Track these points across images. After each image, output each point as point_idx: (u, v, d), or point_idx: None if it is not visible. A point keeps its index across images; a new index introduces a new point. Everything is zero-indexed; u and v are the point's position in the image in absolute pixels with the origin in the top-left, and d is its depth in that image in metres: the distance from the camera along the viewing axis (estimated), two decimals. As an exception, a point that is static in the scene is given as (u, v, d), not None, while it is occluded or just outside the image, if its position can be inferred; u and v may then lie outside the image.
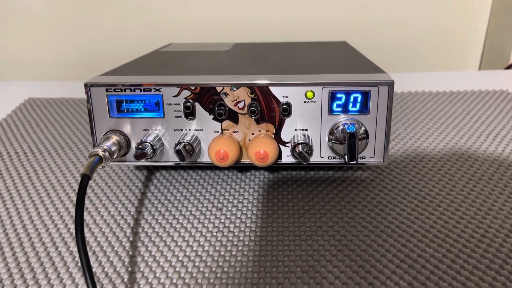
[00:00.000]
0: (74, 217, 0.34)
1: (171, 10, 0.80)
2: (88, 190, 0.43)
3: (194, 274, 0.32)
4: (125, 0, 0.80)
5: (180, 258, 0.34)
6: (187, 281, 0.32)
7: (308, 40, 0.82)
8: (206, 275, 0.32)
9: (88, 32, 0.83)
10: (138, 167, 0.46)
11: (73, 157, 0.49)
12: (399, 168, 0.45)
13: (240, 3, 0.79)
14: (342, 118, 0.35)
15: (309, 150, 0.34)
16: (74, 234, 0.36)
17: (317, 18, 0.80)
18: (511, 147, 0.47)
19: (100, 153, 0.32)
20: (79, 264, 0.33)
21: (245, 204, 0.40)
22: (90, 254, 0.35)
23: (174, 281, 0.32)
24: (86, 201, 0.41)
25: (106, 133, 0.35)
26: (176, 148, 0.33)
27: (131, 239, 0.36)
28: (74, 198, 0.42)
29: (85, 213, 0.40)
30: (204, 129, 0.36)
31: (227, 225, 0.38)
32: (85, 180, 0.29)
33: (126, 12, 0.81)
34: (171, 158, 0.37)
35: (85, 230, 0.37)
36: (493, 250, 0.33)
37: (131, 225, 0.38)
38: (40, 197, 0.42)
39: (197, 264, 0.33)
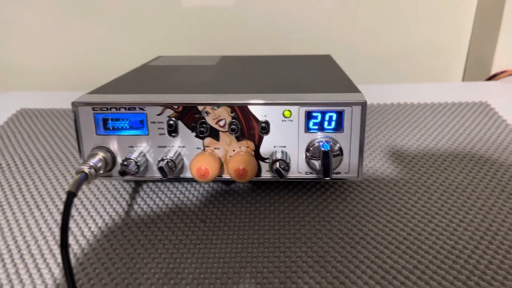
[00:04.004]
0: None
1: (162, 21, 0.82)
2: (77, 201, 0.44)
3: (177, 286, 0.34)
4: (118, 12, 0.82)
5: (164, 270, 0.35)
6: (169, 292, 0.33)
7: (296, 49, 0.83)
8: (188, 286, 0.34)
9: (82, 43, 0.84)
10: (126, 180, 0.48)
11: (63, 169, 0.51)
12: (377, 180, 0.46)
13: (231, 14, 0.81)
14: (318, 135, 0.36)
15: (286, 166, 0.36)
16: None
17: (305, 31, 0.82)
18: (485, 159, 0.49)
19: (86, 170, 0.33)
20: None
21: (228, 216, 0.42)
22: (77, 265, 0.36)
23: (157, 292, 0.33)
24: (75, 212, 0.43)
25: (92, 149, 0.37)
26: (159, 165, 0.35)
27: (116, 250, 0.38)
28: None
29: (73, 225, 0.41)
30: (186, 146, 0.37)
31: (209, 236, 0.39)
32: (70, 197, 0.30)
33: (118, 24, 0.82)
34: (156, 174, 0.39)
35: (73, 241, 0.39)
36: (461, 262, 0.35)
37: (117, 236, 0.39)
38: (30, 209, 0.43)
39: (179, 275, 0.35)
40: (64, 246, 0.28)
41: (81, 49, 0.85)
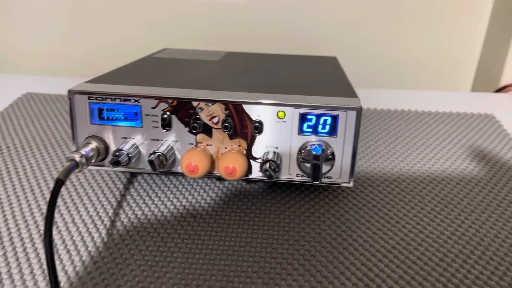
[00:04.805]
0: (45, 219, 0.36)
1: (171, 13, 0.82)
2: (71, 189, 0.45)
3: (160, 279, 0.34)
4: (129, 2, 0.82)
5: (149, 263, 0.36)
6: (152, 285, 0.33)
7: (304, 50, 0.83)
8: (171, 280, 0.34)
9: (92, 31, 0.85)
10: (117, 170, 0.48)
11: (61, 155, 0.51)
12: (372, 186, 0.46)
13: (241, 10, 0.81)
14: (311, 138, 0.36)
15: (276, 168, 0.35)
16: (57, 229, 0.38)
17: (315, 31, 0.81)
18: (484, 173, 0.49)
19: (77, 158, 0.34)
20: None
21: (218, 213, 0.42)
22: (64, 252, 0.36)
23: (140, 285, 0.33)
24: (68, 199, 0.43)
25: (86, 138, 0.37)
26: (149, 158, 0.35)
27: (105, 240, 0.38)
28: (60, 195, 0.43)
29: (65, 211, 0.41)
30: (179, 141, 0.37)
31: (198, 232, 0.39)
32: (58, 184, 0.31)
33: (128, 13, 0.83)
34: (147, 166, 0.39)
35: (63, 228, 0.39)
36: (448, 275, 0.35)
37: (107, 226, 0.40)
38: (24, 192, 0.44)
39: (164, 269, 0.35)
40: (48, 232, 0.29)
41: (91, 37, 0.85)
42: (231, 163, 0.34)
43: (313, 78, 0.45)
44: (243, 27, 0.82)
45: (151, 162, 0.35)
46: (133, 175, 0.47)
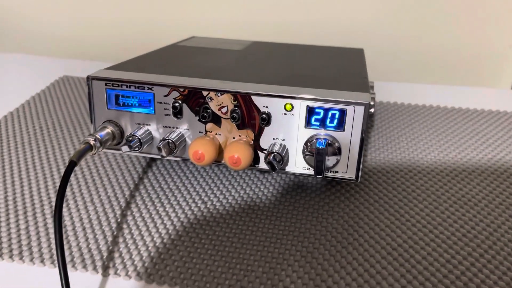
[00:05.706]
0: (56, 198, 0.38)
1: (207, 5, 0.83)
2: (93, 169, 0.47)
3: (165, 261, 0.36)
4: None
5: (157, 244, 0.37)
6: (157, 266, 0.35)
7: (336, 41, 0.82)
8: (176, 263, 0.35)
9: (128, 16, 0.87)
10: (132, 154, 0.50)
11: (88, 137, 0.54)
12: (387, 183, 0.45)
13: (272, 3, 0.81)
14: (318, 132, 0.36)
15: (281, 160, 0.36)
16: (77, 207, 0.41)
17: (349, 22, 0.80)
18: (507, 175, 0.47)
19: (91, 141, 0.35)
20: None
21: (229, 201, 0.43)
22: (80, 229, 0.39)
23: (146, 264, 0.35)
24: (89, 178, 0.45)
25: (103, 122, 0.39)
26: (158, 145, 0.36)
27: (118, 220, 0.40)
28: (83, 175, 0.46)
29: (85, 190, 0.44)
30: (190, 129, 0.38)
31: (207, 218, 0.40)
32: (71, 165, 0.32)
33: (165, 3, 0.84)
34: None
35: (81, 205, 0.41)
36: (452, 277, 0.34)
37: (122, 206, 0.42)
38: (51, 172, 0.47)
39: (170, 252, 0.36)
40: (58, 211, 0.31)
41: (127, 24, 0.88)
42: (236, 153, 0.35)
43: (330, 71, 0.45)
44: (275, 16, 0.82)
45: (159, 148, 0.36)
46: (153, 160, 0.49)
